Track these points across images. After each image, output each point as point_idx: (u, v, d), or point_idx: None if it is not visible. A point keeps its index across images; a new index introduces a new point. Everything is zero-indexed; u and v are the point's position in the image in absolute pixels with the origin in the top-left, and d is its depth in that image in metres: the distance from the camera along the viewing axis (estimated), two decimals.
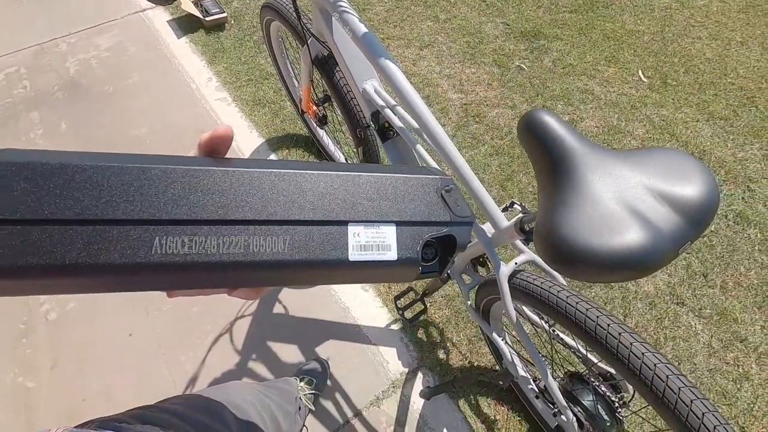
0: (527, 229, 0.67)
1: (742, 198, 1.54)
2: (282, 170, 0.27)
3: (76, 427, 0.35)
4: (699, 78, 1.92)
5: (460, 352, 1.27)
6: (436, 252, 0.30)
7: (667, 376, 0.58)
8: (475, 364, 1.24)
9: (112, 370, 1.28)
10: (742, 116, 1.77)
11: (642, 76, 1.94)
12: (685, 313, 1.30)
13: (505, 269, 0.79)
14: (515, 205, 1.02)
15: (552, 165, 0.50)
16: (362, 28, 0.83)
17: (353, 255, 0.27)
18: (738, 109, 1.80)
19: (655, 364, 0.59)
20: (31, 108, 1.96)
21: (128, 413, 0.41)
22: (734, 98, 1.84)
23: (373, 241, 0.28)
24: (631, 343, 0.62)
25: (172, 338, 1.32)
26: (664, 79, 1.92)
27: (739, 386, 1.18)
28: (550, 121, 0.52)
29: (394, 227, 0.29)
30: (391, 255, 0.28)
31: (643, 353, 0.60)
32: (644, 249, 0.43)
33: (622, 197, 0.46)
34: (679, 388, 0.57)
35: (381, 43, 0.82)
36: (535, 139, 0.52)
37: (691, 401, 0.56)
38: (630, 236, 0.44)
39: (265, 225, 0.26)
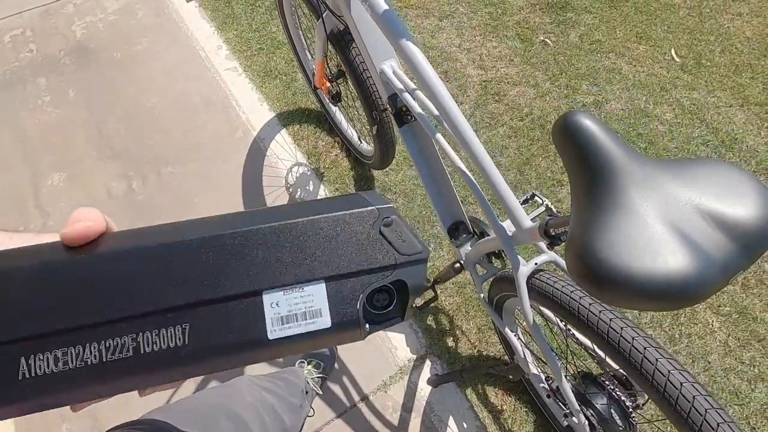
0: (553, 233, 0.63)
1: None
2: (166, 241, 0.22)
3: None
4: (736, 59, 1.80)
5: (470, 341, 1.25)
6: (390, 296, 0.25)
7: (694, 397, 0.55)
8: (484, 353, 1.23)
9: None
10: None
11: (674, 56, 1.83)
12: (702, 310, 1.26)
13: (525, 269, 0.76)
14: (536, 198, 0.97)
15: (591, 175, 0.46)
16: (382, 4, 0.76)
17: (273, 332, 0.22)
18: None
19: (681, 383, 0.56)
20: (37, 73, 1.91)
21: None
22: None
23: (298, 309, 0.23)
24: (656, 359, 0.59)
25: None
26: (698, 59, 1.81)
27: (753, 387, 1.15)
28: (590, 125, 0.47)
29: (323, 285, 0.23)
30: (324, 321, 0.23)
31: (669, 371, 0.57)
32: (691, 277, 0.39)
33: (669, 217, 0.42)
34: (706, 410, 0.54)
35: (402, 22, 0.76)
36: (573, 144, 0.47)
37: (718, 425, 0.54)
38: (676, 262, 0.40)
39: (155, 315, 0.21)
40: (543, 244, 0.76)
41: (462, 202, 1.22)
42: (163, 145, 1.68)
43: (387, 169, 1.55)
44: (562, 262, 0.76)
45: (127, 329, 0.21)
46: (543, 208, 0.85)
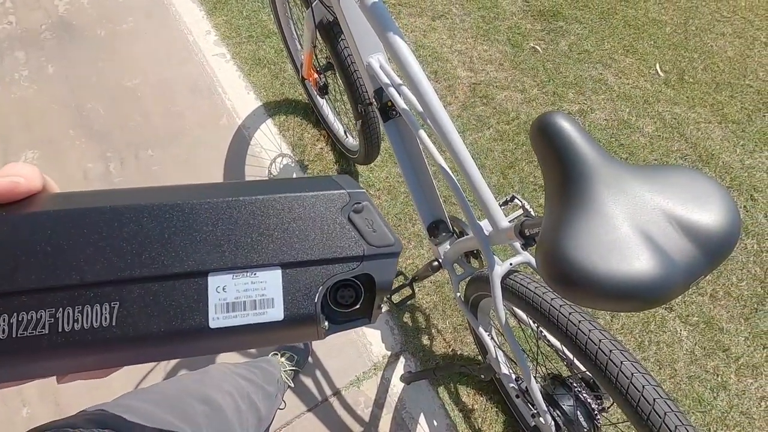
0: (528, 234, 0.63)
1: (744, 207, 1.51)
2: (103, 205, 0.20)
3: None
4: (717, 77, 1.85)
5: (445, 340, 1.26)
6: (357, 293, 0.22)
7: (654, 400, 0.56)
8: (459, 352, 1.24)
9: None
10: (756, 122, 1.72)
11: (659, 70, 1.87)
12: (672, 318, 1.29)
13: (499, 269, 0.76)
14: (516, 200, 0.98)
15: (564, 176, 0.46)
16: None
17: (216, 320, 0.20)
18: (752, 113, 1.74)
19: (643, 386, 0.57)
20: (16, 46, 1.85)
21: (83, 416, 0.38)
22: (750, 102, 1.78)
23: (247, 297, 0.20)
24: (621, 362, 0.60)
25: None
26: (681, 75, 1.85)
27: (715, 395, 1.19)
28: (567, 127, 0.47)
29: (279, 272, 0.21)
30: (275, 314, 0.20)
31: (632, 374, 0.58)
32: (654, 280, 0.40)
33: (636, 220, 0.42)
34: (665, 413, 0.56)
35: (391, 16, 0.75)
36: (549, 144, 0.48)
37: (676, 427, 0.55)
38: (640, 265, 0.40)
39: (79, 289, 0.19)
40: (518, 245, 0.76)
41: (444, 201, 1.22)
42: (144, 127, 1.65)
43: (372, 165, 1.55)
44: (535, 262, 0.77)
45: (46, 302, 0.18)
46: (521, 210, 0.86)
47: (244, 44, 1.88)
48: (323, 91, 1.33)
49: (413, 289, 1.23)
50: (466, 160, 0.73)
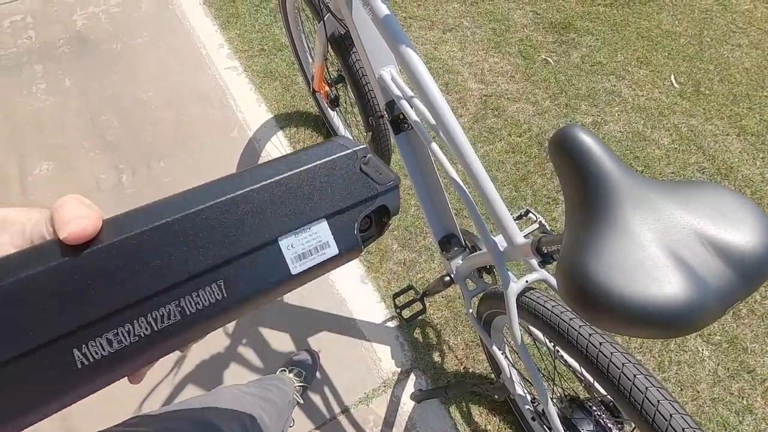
0: (545, 251, 0.61)
1: None
2: (177, 214, 0.24)
3: None
4: (734, 89, 1.81)
5: (456, 357, 1.23)
6: (371, 219, 0.30)
7: (683, 429, 0.53)
8: (470, 370, 1.21)
9: None
10: None
11: (674, 82, 1.84)
12: (693, 337, 1.24)
13: (515, 287, 0.74)
14: (530, 214, 0.96)
15: (586, 193, 0.44)
16: (384, 10, 0.75)
17: (295, 268, 0.27)
18: None
19: (671, 414, 0.54)
20: (35, 60, 1.89)
21: None
22: None
23: (310, 246, 0.27)
24: (646, 387, 0.56)
25: None
26: (697, 87, 1.82)
27: (741, 419, 1.13)
28: (588, 141, 0.45)
29: (325, 222, 0.28)
30: (332, 250, 0.28)
31: (659, 401, 0.55)
32: (687, 305, 0.37)
33: (666, 240, 0.40)
34: None
35: (402, 29, 0.75)
36: (569, 159, 0.45)
37: None
38: (671, 288, 0.38)
39: (189, 282, 0.23)
40: (535, 262, 0.74)
41: (456, 214, 1.20)
42: (156, 139, 1.66)
43: None
44: (553, 281, 0.74)
45: (168, 299, 0.23)
46: (536, 225, 0.83)
47: (256, 57, 1.89)
48: (334, 103, 1.33)
49: (424, 305, 1.20)
50: (479, 172, 0.71)
